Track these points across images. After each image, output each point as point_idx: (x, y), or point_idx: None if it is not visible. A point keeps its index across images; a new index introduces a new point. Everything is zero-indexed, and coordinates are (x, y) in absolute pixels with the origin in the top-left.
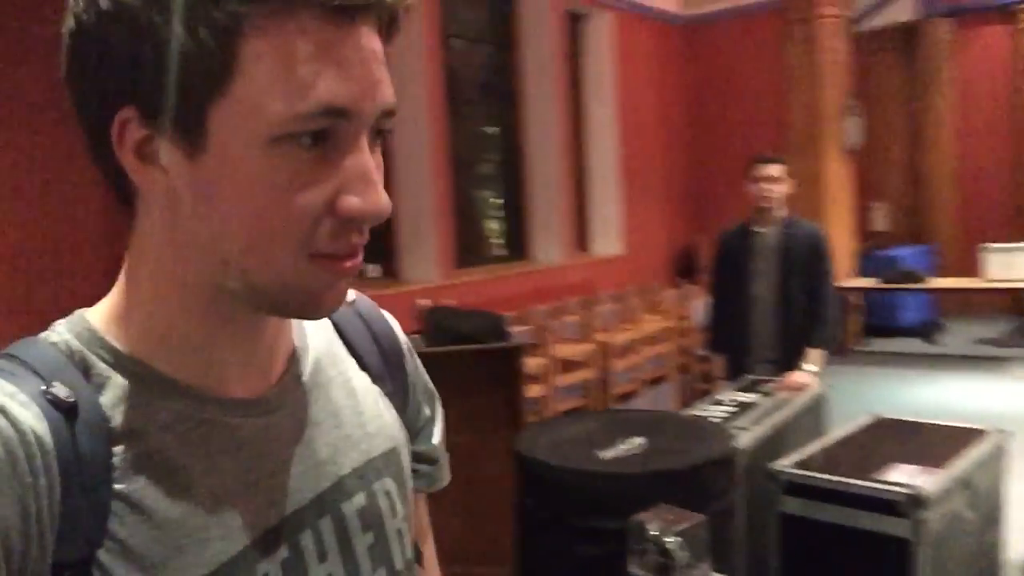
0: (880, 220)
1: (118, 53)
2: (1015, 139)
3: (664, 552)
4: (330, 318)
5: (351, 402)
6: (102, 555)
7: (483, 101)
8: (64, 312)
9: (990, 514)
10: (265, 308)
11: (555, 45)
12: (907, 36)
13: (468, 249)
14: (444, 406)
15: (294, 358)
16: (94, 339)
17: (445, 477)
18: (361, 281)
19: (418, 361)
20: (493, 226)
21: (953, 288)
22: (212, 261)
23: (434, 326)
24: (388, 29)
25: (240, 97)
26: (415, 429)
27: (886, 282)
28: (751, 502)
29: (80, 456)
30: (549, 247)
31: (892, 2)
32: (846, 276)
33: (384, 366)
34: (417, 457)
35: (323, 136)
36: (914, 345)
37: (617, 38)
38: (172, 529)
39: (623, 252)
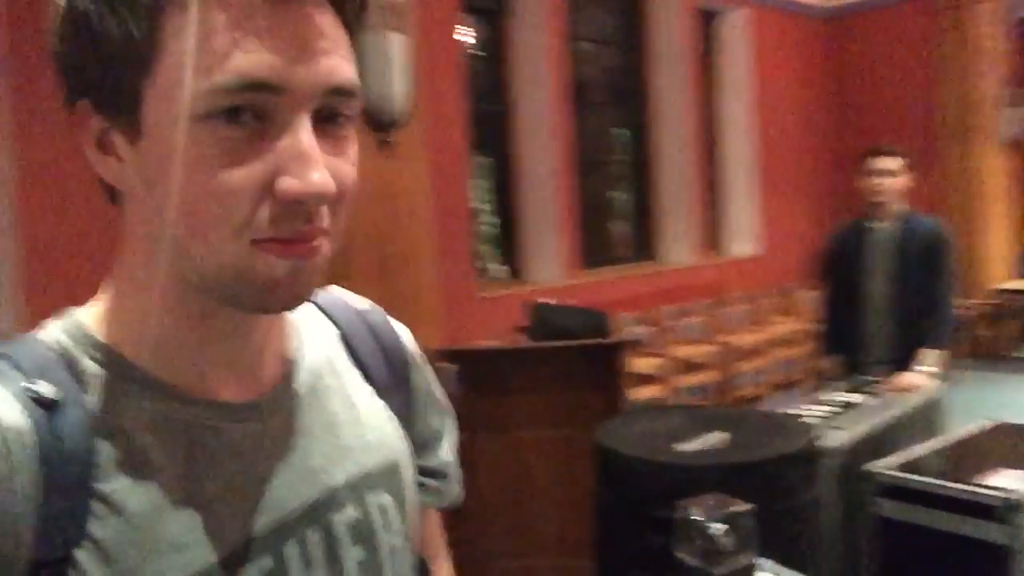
0: None
1: (69, 49)
2: None
3: (709, 539)
4: (338, 327)
5: (350, 413)
6: (79, 555)
7: (611, 102)
8: None
9: None
10: (224, 301)
11: (686, 44)
12: None
13: (594, 250)
14: (545, 400)
15: (290, 365)
16: (84, 337)
17: (456, 493)
18: (486, 281)
19: (430, 374)
20: (620, 227)
21: None
22: (170, 252)
23: (537, 322)
24: (345, 6)
25: (165, 74)
26: (423, 443)
27: None
28: (847, 502)
29: (62, 454)
30: (678, 248)
31: None
32: (1004, 278)
33: (391, 379)
34: (426, 472)
35: (259, 114)
36: None
37: (754, 34)
38: (150, 532)
39: (758, 253)
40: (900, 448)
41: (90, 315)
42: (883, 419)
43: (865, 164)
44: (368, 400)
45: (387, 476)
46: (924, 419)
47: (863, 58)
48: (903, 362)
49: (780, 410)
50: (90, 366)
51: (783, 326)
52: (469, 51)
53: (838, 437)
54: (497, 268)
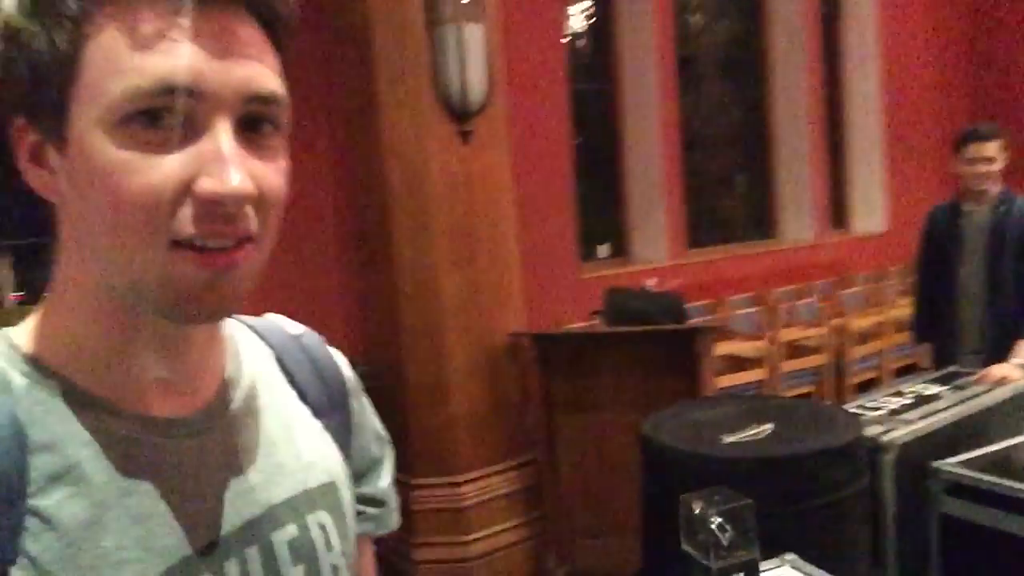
0: None
1: (2, 67)
2: None
3: (710, 532)
4: (272, 349)
5: (286, 432)
6: (14, 572)
7: (726, 75)
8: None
9: None
10: (150, 310)
11: (805, 9)
12: None
13: (706, 228)
14: (624, 384)
15: (226, 382)
16: (14, 354)
17: (394, 521)
18: (592, 262)
19: (366, 401)
20: (735, 204)
21: None
22: (97, 261)
23: (611, 307)
24: (268, 17)
25: (87, 83)
26: (361, 471)
27: None
28: (910, 499)
29: None
30: (797, 225)
31: None
32: None
33: (328, 402)
34: (364, 500)
35: (179, 118)
36: None
37: None
38: (86, 549)
39: (886, 229)
40: (985, 443)
41: (23, 331)
42: (957, 413)
43: (964, 150)
44: (305, 420)
45: (326, 495)
46: (1011, 414)
47: (1005, 17)
48: (995, 353)
49: (859, 401)
50: (20, 381)
51: (905, 308)
52: (573, 31)
53: (900, 431)
54: (600, 248)
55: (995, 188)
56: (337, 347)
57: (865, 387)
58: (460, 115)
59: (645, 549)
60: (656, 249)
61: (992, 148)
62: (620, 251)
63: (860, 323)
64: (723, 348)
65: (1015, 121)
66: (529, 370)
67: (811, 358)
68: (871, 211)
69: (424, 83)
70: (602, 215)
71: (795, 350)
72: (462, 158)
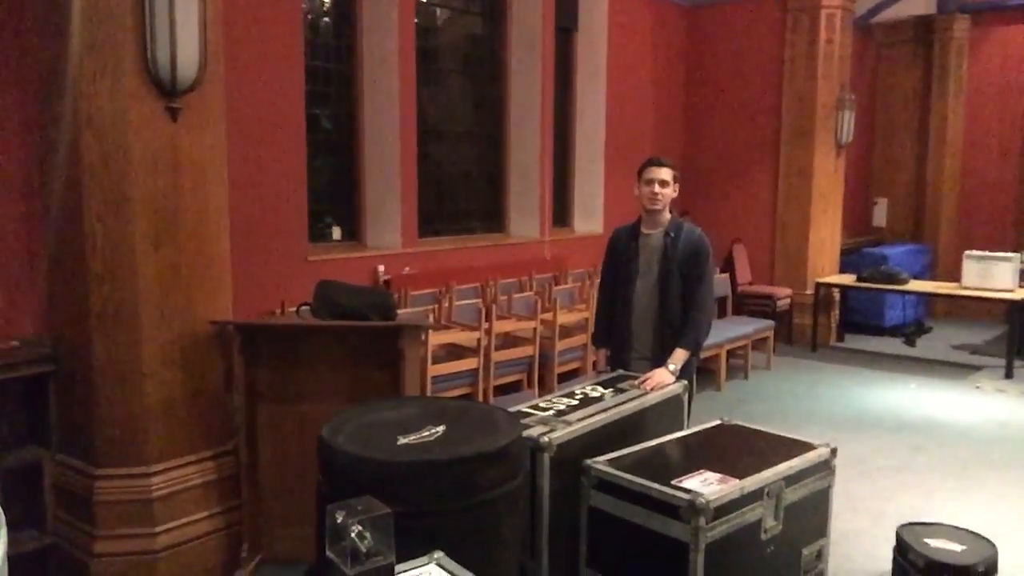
0: (881, 216)
1: None
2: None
3: (352, 540)
4: None
5: None
6: None
7: (466, 73)
8: None
9: (805, 523)
10: None
11: (544, 21)
12: (922, 30)
13: (439, 219)
14: (326, 378)
15: None
16: None
17: None
18: (324, 243)
19: None
20: (469, 198)
21: (930, 292)
22: None
23: (320, 300)
24: None
25: None
26: None
27: (866, 280)
28: (567, 494)
29: None
30: (525, 221)
31: None
32: (828, 273)
33: None
34: None
35: None
36: (890, 346)
37: (613, 15)
38: None
39: (603, 231)
40: (638, 442)
41: None
42: (615, 414)
43: (644, 173)
44: None
45: None
46: (663, 416)
47: (718, 51)
48: (662, 359)
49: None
50: None
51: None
52: (317, 8)
53: (559, 432)
54: (338, 231)
55: (667, 215)
56: (21, 325)
57: (568, 376)
58: (169, 91)
59: (319, 549)
60: (389, 236)
61: (666, 173)
62: (353, 235)
63: (567, 318)
64: (444, 337)
65: (712, 152)
66: (234, 359)
67: (521, 349)
68: (591, 214)
69: (129, 53)
70: (341, 197)
71: (508, 340)
72: (168, 135)
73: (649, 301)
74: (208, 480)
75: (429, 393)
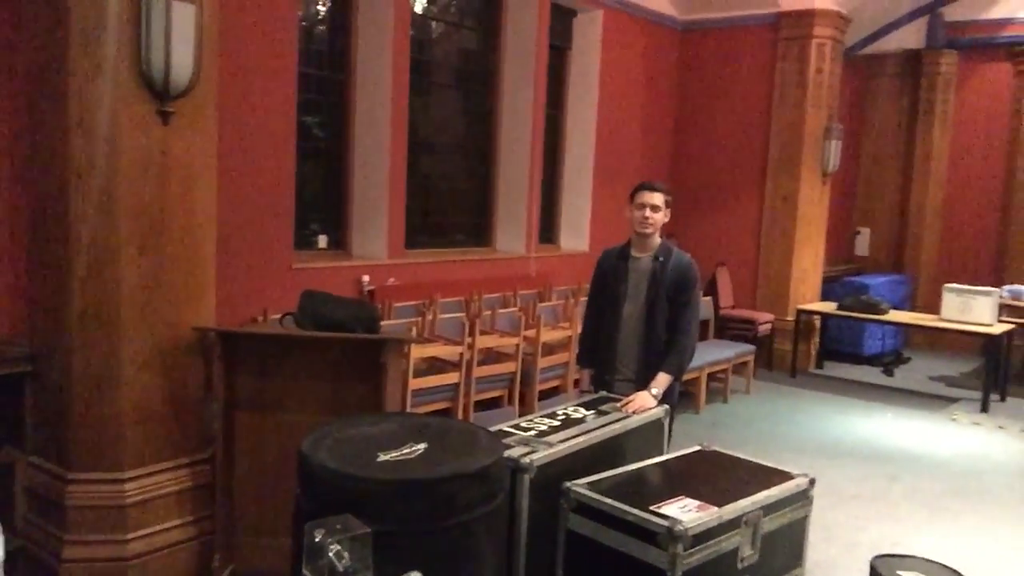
0: (863, 246)
1: None
2: (1007, 180)
3: (328, 559)
4: None
5: None
6: None
7: (459, 87)
8: None
9: (781, 552)
10: None
11: (538, 38)
12: (909, 64)
13: (425, 232)
14: (307, 389)
15: None
16: None
17: None
18: (309, 251)
19: None
20: (456, 212)
21: (909, 323)
22: None
23: (304, 310)
24: None
25: None
26: None
27: (846, 309)
28: (545, 516)
29: None
30: (511, 237)
31: (899, 27)
32: (810, 299)
33: None
34: None
35: None
36: (868, 374)
37: (607, 36)
38: None
39: (588, 250)
40: (618, 465)
41: None
42: (595, 436)
43: (635, 197)
44: None
45: None
46: (643, 439)
47: (710, 75)
48: (646, 382)
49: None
50: None
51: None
52: (313, 16)
53: (540, 453)
54: (324, 239)
55: (657, 239)
56: None
57: (549, 394)
58: (161, 95)
59: (295, 562)
60: (375, 246)
61: (658, 198)
62: (340, 244)
63: (550, 336)
64: (426, 351)
65: (701, 176)
66: (215, 365)
67: (503, 365)
68: (578, 232)
69: (124, 54)
70: (328, 205)
71: (491, 356)
72: (159, 139)
73: (636, 324)
74: (183, 488)
75: (409, 406)
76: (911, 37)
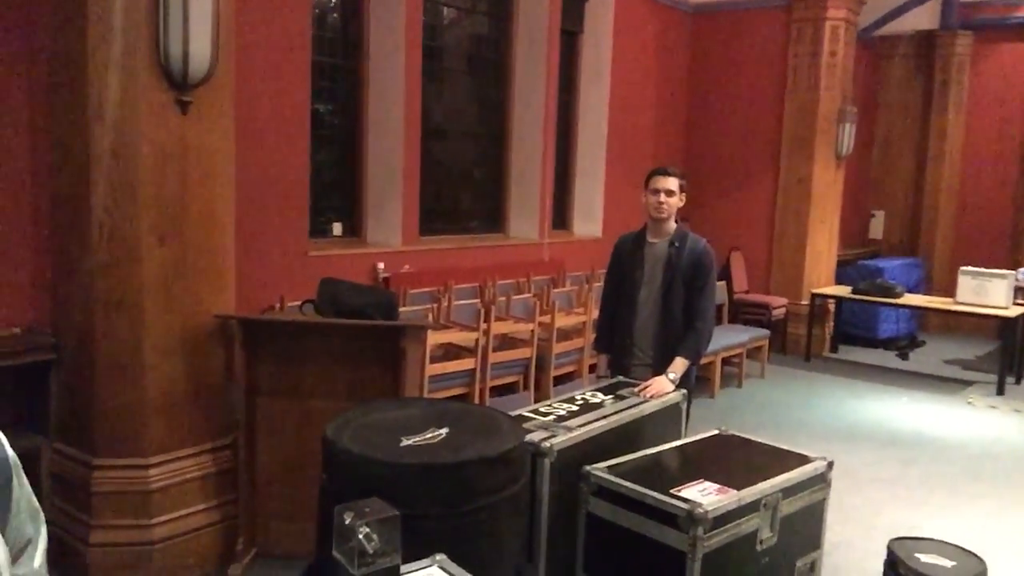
0: (878, 229)
1: None
2: (1022, 162)
3: (359, 542)
4: None
5: None
6: None
7: (472, 73)
8: None
9: (799, 535)
10: None
11: (550, 23)
12: (924, 45)
13: (440, 218)
14: (327, 375)
15: None
16: None
17: None
18: (324, 239)
19: (24, 479)
20: (469, 196)
21: (924, 307)
22: None
23: (324, 297)
24: None
25: None
26: (14, 552)
27: (860, 293)
28: (566, 499)
29: None
30: (525, 223)
31: (913, 8)
32: (824, 284)
33: None
34: None
35: None
36: (883, 358)
37: (618, 19)
38: None
39: (601, 235)
40: (636, 449)
41: None
42: (614, 421)
43: (650, 182)
44: None
45: None
46: (661, 423)
47: (721, 58)
48: (663, 366)
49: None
50: None
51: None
52: (323, 5)
53: (560, 437)
54: (338, 227)
55: (672, 224)
56: (22, 313)
57: (563, 380)
58: (180, 84)
59: (319, 545)
60: (390, 233)
61: (673, 183)
62: (354, 231)
63: (565, 321)
64: (442, 337)
65: (712, 161)
66: (236, 353)
67: (518, 351)
68: (591, 218)
69: (142, 45)
70: (342, 192)
71: (506, 342)
72: (178, 128)
73: (652, 309)
74: (206, 473)
75: (426, 392)
76: (925, 18)
